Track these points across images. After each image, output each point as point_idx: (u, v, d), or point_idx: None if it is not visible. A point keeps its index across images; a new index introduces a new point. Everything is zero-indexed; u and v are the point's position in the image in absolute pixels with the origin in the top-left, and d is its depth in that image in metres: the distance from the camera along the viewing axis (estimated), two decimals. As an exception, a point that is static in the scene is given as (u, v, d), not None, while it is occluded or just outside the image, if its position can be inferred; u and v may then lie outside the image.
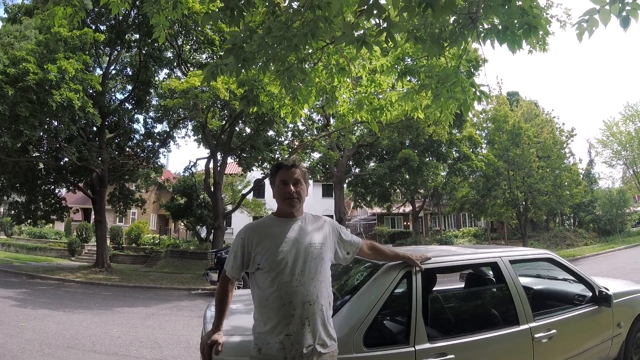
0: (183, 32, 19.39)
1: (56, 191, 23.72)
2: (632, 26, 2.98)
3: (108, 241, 24.85)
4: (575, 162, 34.58)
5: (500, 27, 3.39)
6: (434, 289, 4.29)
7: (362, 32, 3.42)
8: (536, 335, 3.63)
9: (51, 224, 29.48)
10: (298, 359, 2.45)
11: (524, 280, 4.36)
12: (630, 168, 37.56)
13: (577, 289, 4.61)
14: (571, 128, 31.25)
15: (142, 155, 24.05)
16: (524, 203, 26.36)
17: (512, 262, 3.94)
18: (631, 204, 35.70)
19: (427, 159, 26.46)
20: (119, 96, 24.10)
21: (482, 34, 3.48)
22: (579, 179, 29.84)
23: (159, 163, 25.71)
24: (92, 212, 24.69)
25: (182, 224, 32.82)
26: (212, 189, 21.42)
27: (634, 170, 37.14)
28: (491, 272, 4.39)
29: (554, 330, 3.75)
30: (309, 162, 25.15)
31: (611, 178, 50.80)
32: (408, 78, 4.88)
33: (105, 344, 7.47)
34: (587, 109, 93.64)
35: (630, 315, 4.65)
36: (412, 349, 3.06)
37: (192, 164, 25.97)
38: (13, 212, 22.94)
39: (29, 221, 23.39)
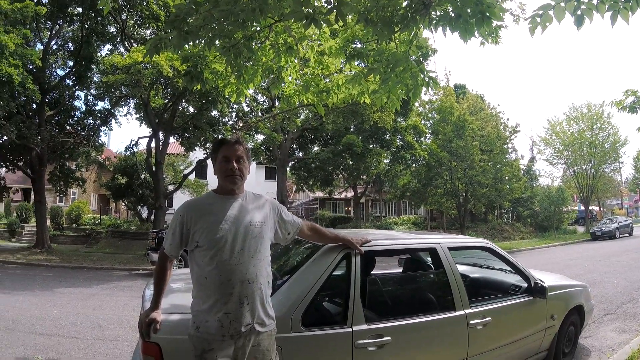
0: (128, 6, 18.84)
1: (-6, 171, 22.71)
2: (585, 26, 3.04)
3: (48, 221, 24.24)
4: (517, 157, 35.62)
5: (452, 15, 3.38)
6: (372, 272, 4.33)
7: (312, 9, 3.37)
8: (471, 322, 3.71)
9: (-10, 205, 28.25)
10: (236, 337, 2.44)
11: (461, 268, 4.44)
12: (571, 168, 38.61)
13: (513, 279, 4.73)
14: (515, 124, 32.02)
15: (82, 133, 23.24)
16: (464, 194, 26.98)
17: (450, 249, 3.99)
18: (569, 203, 37.01)
19: (371, 146, 26.79)
20: (60, 72, 23.16)
21: (434, 21, 3.47)
22: (520, 174, 30.59)
23: (100, 141, 24.97)
24: (32, 192, 23.80)
25: (123, 204, 32.04)
26: (153, 169, 21.08)
27: (574, 170, 38.23)
28: (429, 259, 4.43)
29: (489, 318, 3.84)
30: (253, 144, 25.04)
31: (551, 176, 52.39)
32: (357, 62, 4.88)
33: (46, 325, 7.31)
34: (532, 107, 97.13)
35: (564, 309, 4.82)
36: (350, 329, 3.08)
37: (133, 143, 25.45)
38: (-51, 193, 21.83)
39: (-34, 202, 22.34)
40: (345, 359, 3.05)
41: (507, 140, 30.37)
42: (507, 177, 27.69)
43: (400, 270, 5.13)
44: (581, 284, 5.44)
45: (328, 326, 3.13)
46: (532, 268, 4.95)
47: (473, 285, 4.74)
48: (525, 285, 4.47)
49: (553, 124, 38.95)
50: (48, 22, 20.06)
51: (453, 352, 3.65)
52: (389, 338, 3.19)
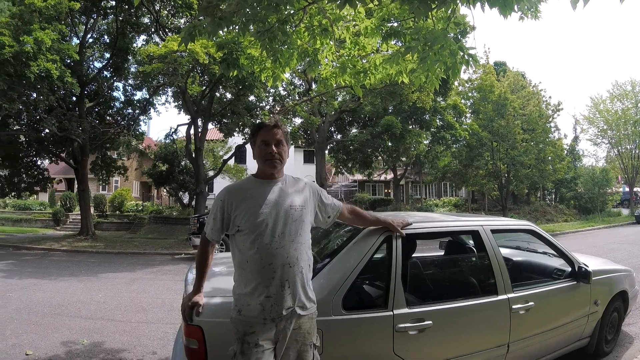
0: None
1: (38, 163, 23.58)
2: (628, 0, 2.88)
3: (92, 209, 24.92)
4: (560, 137, 34.69)
5: (491, -11, 3.26)
6: (413, 255, 4.28)
7: (345, -11, 3.30)
8: (514, 307, 3.63)
9: (35, 196, 29.21)
10: (277, 320, 2.45)
11: (504, 251, 4.33)
12: (615, 148, 37.26)
13: (557, 263, 4.61)
14: (558, 102, 31.01)
15: (122, 123, 23.74)
16: (506, 175, 26.54)
17: (493, 231, 3.90)
18: (614, 184, 35.94)
19: (411, 127, 26.38)
20: (97, 64, 23.63)
21: (472, -4, 3.37)
22: (563, 154, 29.89)
23: (139, 130, 25.45)
24: (75, 182, 24.52)
25: (165, 190, 32.76)
26: (193, 155, 21.41)
27: (618, 150, 36.94)
28: (472, 241, 4.34)
29: (532, 303, 3.75)
30: (291, 128, 24.98)
31: (595, 156, 50.84)
32: (394, 41, 4.77)
33: (91, 309, 7.53)
34: (575, 84, 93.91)
35: (608, 294, 4.67)
36: (390, 313, 3.05)
37: (173, 130, 25.84)
38: (-4, 186, 22.71)
39: (12, 194, 23.41)
40: (386, 342, 3.03)
41: (550, 119, 29.56)
42: (549, 158, 27.08)
43: (442, 253, 5.06)
44: (626, 268, 5.26)
45: (369, 310, 3.10)
46: (575, 252, 4.81)
47: (516, 268, 4.63)
48: (569, 269, 4.34)
49: (596, 102, 37.54)
50: (82, 16, 20.47)
51: (494, 337, 3.58)
52: (430, 322, 3.15)
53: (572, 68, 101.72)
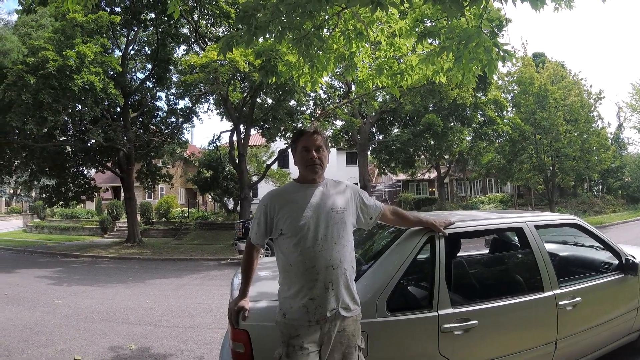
0: (198, 6, 19.45)
1: (85, 172, 24.42)
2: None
3: (138, 217, 25.54)
4: (603, 126, 33.54)
5: (522, -17, 3.24)
6: (458, 254, 4.26)
7: (376, -7, 3.32)
8: (561, 303, 3.57)
9: (82, 204, 30.08)
10: (322, 322, 2.48)
11: (549, 247, 4.29)
12: (661, 134, 36.28)
13: (604, 256, 4.49)
14: (599, 90, 30.02)
15: (166, 131, 24.37)
16: (551, 168, 25.91)
17: (537, 227, 3.84)
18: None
19: (452, 124, 26.14)
20: (140, 75, 24.38)
21: (503, -8, 3.35)
22: (608, 143, 28.94)
23: (183, 138, 26.06)
24: (122, 190, 25.17)
25: (210, 196, 33.32)
26: (236, 161, 21.70)
27: (664, 136, 35.90)
28: (516, 238, 4.31)
29: (579, 298, 3.68)
30: (332, 130, 25.05)
31: (641, 144, 49.14)
32: (429, 40, 4.76)
33: (138, 315, 7.69)
34: (616, 70, 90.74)
35: None
36: (435, 313, 3.06)
37: (216, 137, 26.26)
38: (44, 195, 23.56)
39: (60, 203, 24.09)
40: (431, 343, 3.03)
41: (592, 108, 28.64)
42: (594, 148, 26.24)
43: (487, 251, 5.02)
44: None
45: (413, 311, 3.11)
46: (624, 243, 4.67)
47: (562, 264, 4.55)
48: (616, 262, 4.23)
49: (638, 89, 36.33)
50: (123, 29, 21.13)
51: (541, 334, 3.53)
52: (475, 322, 3.14)
53: (612, 54, 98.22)
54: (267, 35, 3.92)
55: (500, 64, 3.99)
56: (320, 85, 5.68)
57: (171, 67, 22.14)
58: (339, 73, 20.26)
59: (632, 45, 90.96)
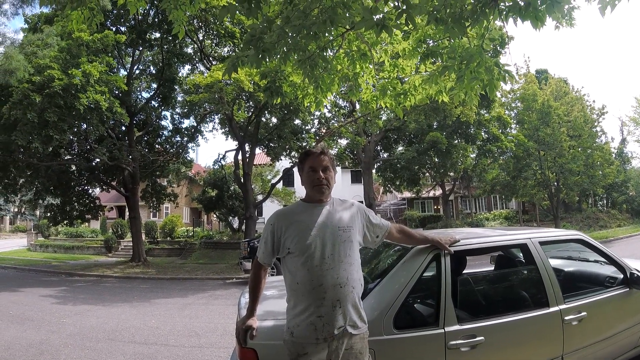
0: (203, 26, 19.64)
1: (90, 191, 24.22)
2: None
3: (143, 236, 25.36)
4: (607, 140, 33.69)
5: (522, 4, 3.31)
6: (464, 271, 4.28)
7: (381, 15, 3.40)
8: (566, 318, 3.59)
9: (87, 223, 30.03)
10: (329, 340, 2.50)
11: (554, 262, 4.29)
12: (664, 147, 36.35)
13: (609, 270, 4.49)
14: (602, 105, 30.09)
15: (171, 150, 24.38)
16: (555, 184, 25.88)
17: (542, 243, 3.87)
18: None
19: (456, 141, 26.11)
20: (145, 95, 24.56)
21: (504, 12, 3.42)
22: (612, 158, 28.93)
23: (188, 157, 26.08)
24: (126, 209, 25.19)
25: (215, 215, 33.30)
26: (242, 180, 21.72)
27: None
28: (521, 254, 4.32)
29: (584, 313, 3.69)
30: (337, 149, 25.08)
31: (644, 157, 49.09)
32: (432, 60, 4.83)
33: (144, 334, 7.69)
34: (619, 84, 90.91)
35: None
36: (442, 330, 3.07)
37: (221, 156, 26.48)
38: (49, 214, 23.47)
39: (65, 222, 23.91)
40: (439, 360, 3.05)
41: (595, 124, 28.71)
42: (598, 163, 26.27)
43: (492, 268, 5.04)
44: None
45: (420, 328, 3.13)
46: (629, 257, 4.69)
47: (567, 279, 4.54)
48: (621, 276, 4.24)
49: (641, 102, 36.40)
50: (129, 48, 21.29)
51: (548, 349, 3.54)
52: (482, 338, 3.15)
53: (614, 69, 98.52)
54: (274, 57, 4.00)
55: (501, 84, 4.06)
56: (324, 105, 5.74)
57: (176, 87, 22.28)
58: (343, 92, 20.43)
59: (635, 59, 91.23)
